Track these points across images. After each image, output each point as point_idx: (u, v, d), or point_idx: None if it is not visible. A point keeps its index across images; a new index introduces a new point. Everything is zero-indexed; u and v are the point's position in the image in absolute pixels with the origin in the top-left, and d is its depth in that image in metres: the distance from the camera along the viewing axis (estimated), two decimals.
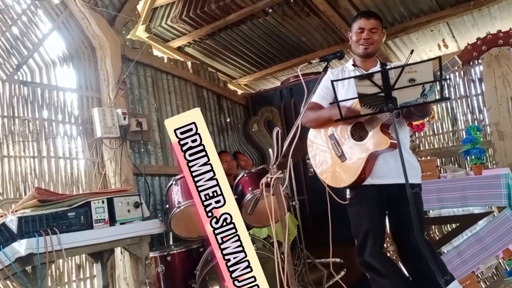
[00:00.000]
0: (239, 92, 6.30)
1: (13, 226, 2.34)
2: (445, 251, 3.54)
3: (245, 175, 3.34)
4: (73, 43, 3.79)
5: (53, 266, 3.11)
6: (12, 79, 3.27)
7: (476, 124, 4.59)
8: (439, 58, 1.91)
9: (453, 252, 3.28)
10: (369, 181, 2.31)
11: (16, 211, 2.53)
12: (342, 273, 3.47)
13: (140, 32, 4.85)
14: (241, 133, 5.60)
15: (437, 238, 4.44)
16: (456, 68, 2.31)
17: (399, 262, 2.63)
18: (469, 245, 3.24)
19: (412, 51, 2.14)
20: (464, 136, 3.78)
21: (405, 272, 2.42)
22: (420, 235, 2.04)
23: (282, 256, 2.03)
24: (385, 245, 3.69)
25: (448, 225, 4.65)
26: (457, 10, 4.72)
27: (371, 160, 2.28)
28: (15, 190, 3.17)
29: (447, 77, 4.42)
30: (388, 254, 3.62)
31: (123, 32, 4.16)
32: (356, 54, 2.48)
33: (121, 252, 3.49)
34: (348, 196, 2.37)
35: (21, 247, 2.24)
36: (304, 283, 3.40)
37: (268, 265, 3.27)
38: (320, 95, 2.43)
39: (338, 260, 4.13)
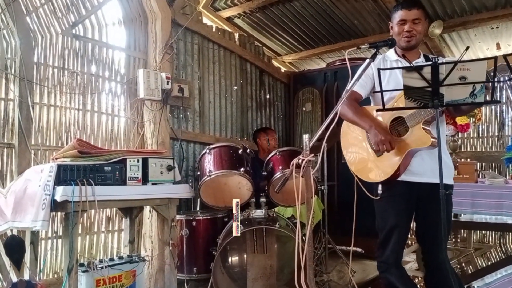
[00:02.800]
0: (283, 69, 6.24)
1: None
2: (475, 287, 3.42)
3: (277, 153, 3.35)
4: (130, 14, 3.86)
5: (85, 215, 3.26)
6: (64, 32, 3.37)
7: None
8: (495, 58, 1.81)
9: None
10: (402, 177, 2.25)
11: (56, 158, 2.63)
12: None
13: None
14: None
15: (470, 272, 4.30)
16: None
17: None
18: (502, 284, 3.10)
19: (467, 48, 2.04)
20: (509, 143, 3.62)
21: None
22: (446, 254, 2.01)
23: (303, 237, 2.04)
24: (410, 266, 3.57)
25: (483, 261, 4.50)
26: None
27: (408, 157, 2.22)
28: (57, 138, 3.32)
29: (501, 79, 4.21)
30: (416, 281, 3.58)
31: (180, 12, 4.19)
32: (397, 46, 2.39)
33: (150, 211, 3.61)
34: (379, 192, 2.33)
35: (57, 193, 2.33)
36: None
37: (289, 244, 3.32)
38: (360, 83, 2.33)
39: (359, 249, 4.12)
